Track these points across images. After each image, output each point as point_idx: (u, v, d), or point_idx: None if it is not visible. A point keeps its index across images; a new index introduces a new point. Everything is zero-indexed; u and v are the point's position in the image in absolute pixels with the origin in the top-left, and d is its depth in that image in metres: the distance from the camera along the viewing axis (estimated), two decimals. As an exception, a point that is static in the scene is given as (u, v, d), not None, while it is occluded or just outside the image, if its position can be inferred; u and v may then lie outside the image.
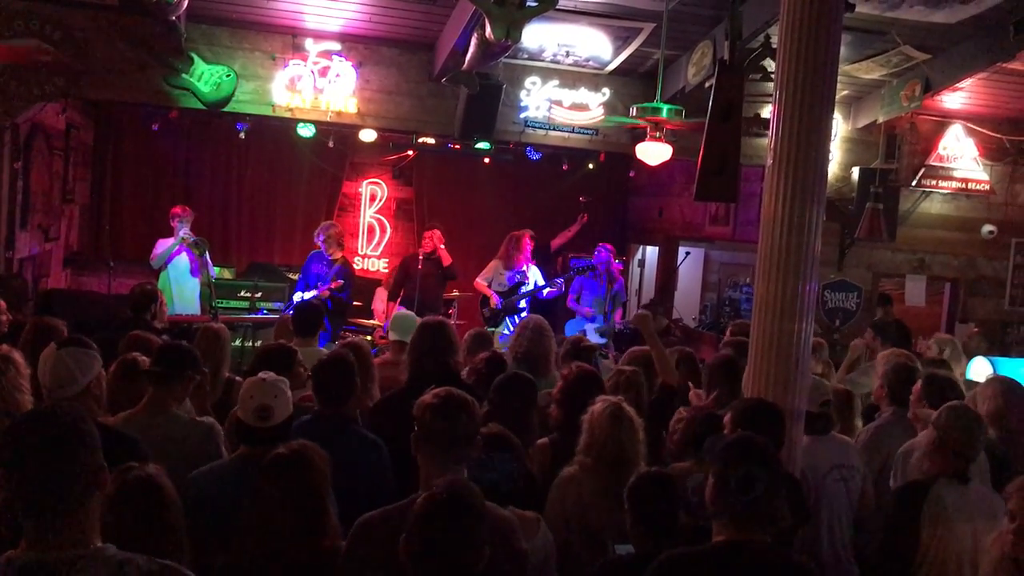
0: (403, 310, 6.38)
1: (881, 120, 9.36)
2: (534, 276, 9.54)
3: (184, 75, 8.10)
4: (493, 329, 9.21)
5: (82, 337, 3.44)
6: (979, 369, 6.38)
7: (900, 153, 9.87)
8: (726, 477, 2.66)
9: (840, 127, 9.69)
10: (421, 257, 9.21)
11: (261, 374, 3.49)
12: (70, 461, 1.98)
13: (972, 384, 5.51)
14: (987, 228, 10.21)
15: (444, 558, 2.39)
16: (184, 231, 8.59)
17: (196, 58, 8.12)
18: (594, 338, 8.64)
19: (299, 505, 2.86)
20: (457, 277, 9.63)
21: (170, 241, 8.65)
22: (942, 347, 6.31)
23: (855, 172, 9.75)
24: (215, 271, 8.98)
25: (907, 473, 4.00)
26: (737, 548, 2.63)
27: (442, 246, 9.36)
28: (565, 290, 9.73)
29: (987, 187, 10.17)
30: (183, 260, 8.70)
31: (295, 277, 9.44)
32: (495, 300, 9.34)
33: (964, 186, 10.15)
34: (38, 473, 1.96)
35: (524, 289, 9.38)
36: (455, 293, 9.94)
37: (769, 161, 4.09)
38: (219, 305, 8.44)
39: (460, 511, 2.43)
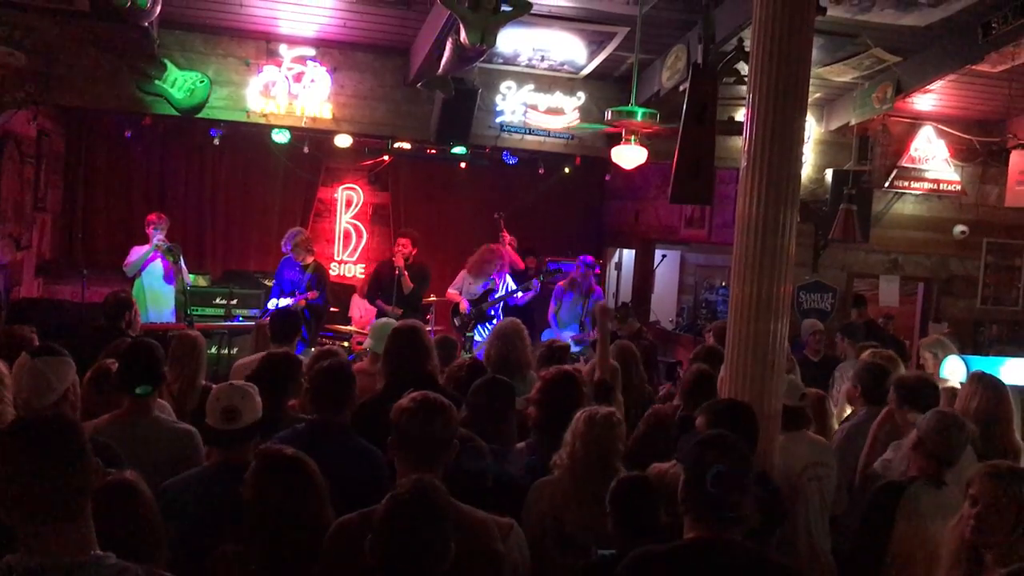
0: (383, 319, 6.37)
1: (854, 122, 9.44)
2: (505, 284, 9.51)
3: (157, 81, 8.05)
4: (471, 336, 9.21)
5: (54, 345, 3.42)
6: (952, 368, 6.44)
7: (873, 155, 9.96)
8: (696, 474, 2.67)
9: (813, 129, 9.78)
10: (395, 273, 9.14)
11: (232, 380, 3.48)
12: (65, 468, 1.99)
13: (943, 382, 5.56)
14: (959, 228, 10.32)
15: (408, 557, 2.39)
16: (159, 238, 8.53)
17: (169, 64, 8.06)
18: (574, 347, 8.65)
19: (300, 505, 2.85)
20: (422, 296, 9.52)
21: (144, 248, 8.58)
22: (935, 351, 6.34)
23: (828, 174, 9.84)
24: (190, 278, 8.92)
25: (889, 473, 4.03)
26: (706, 545, 2.64)
27: (407, 255, 9.18)
28: (540, 291, 9.74)
29: (958, 188, 10.29)
30: (157, 267, 8.64)
31: (271, 284, 9.40)
32: (464, 306, 9.31)
33: (936, 187, 10.26)
34: (35, 481, 1.96)
35: (496, 295, 9.36)
36: (431, 298, 9.93)
37: (743, 164, 4.12)
38: (195, 312, 8.38)
39: (423, 510, 2.44)
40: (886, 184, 10.12)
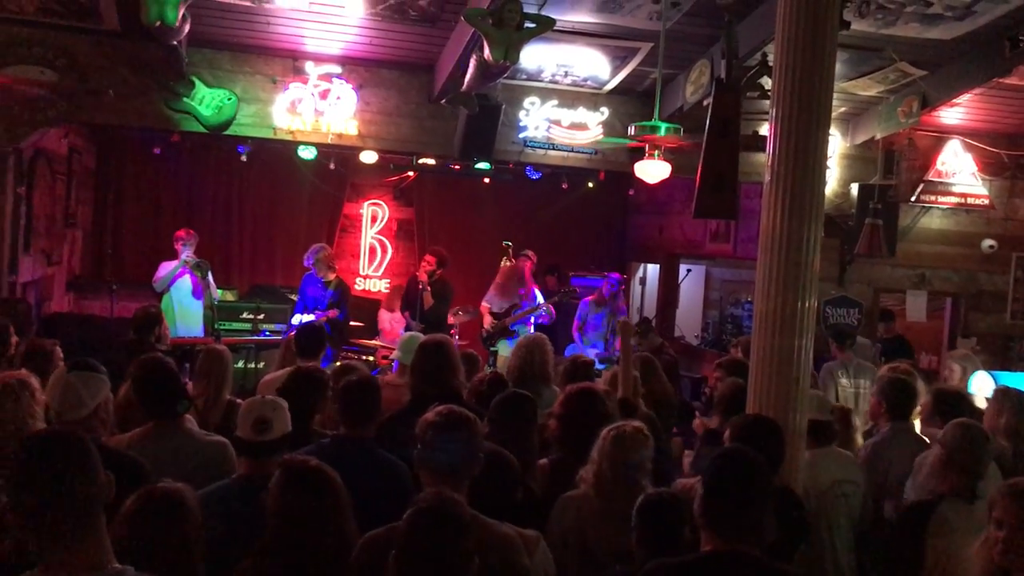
0: (411, 332, 6.42)
1: (879, 136, 9.40)
2: (532, 300, 9.50)
3: (186, 99, 8.17)
4: (496, 351, 9.24)
5: (91, 360, 3.45)
6: (980, 383, 6.38)
7: (899, 169, 9.90)
8: (712, 487, 2.67)
9: (838, 144, 9.74)
10: (419, 288, 9.19)
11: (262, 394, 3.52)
12: (71, 481, 2.00)
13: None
14: (987, 243, 10.23)
15: (430, 571, 2.39)
16: (187, 253, 8.62)
17: (198, 82, 8.18)
18: (598, 365, 8.64)
19: (324, 517, 2.84)
20: (445, 313, 9.55)
21: (173, 264, 8.67)
22: (964, 364, 6.29)
23: (854, 188, 9.79)
24: (218, 293, 9.00)
25: (916, 490, 3.99)
26: (721, 558, 2.63)
27: (430, 271, 9.21)
28: (563, 307, 9.76)
29: (986, 202, 10.20)
30: (186, 282, 8.72)
31: (296, 299, 9.47)
32: (487, 320, 9.35)
33: (963, 201, 10.18)
34: (42, 494, 1.98)
35: (518, 312, 9.38)
36: (459, 314, 9.93)
37: (766, 178, 4.12)
38: (222, 327, 8.46)
39: (443, 523, 2.44)
40: (912, 198, 10.05)
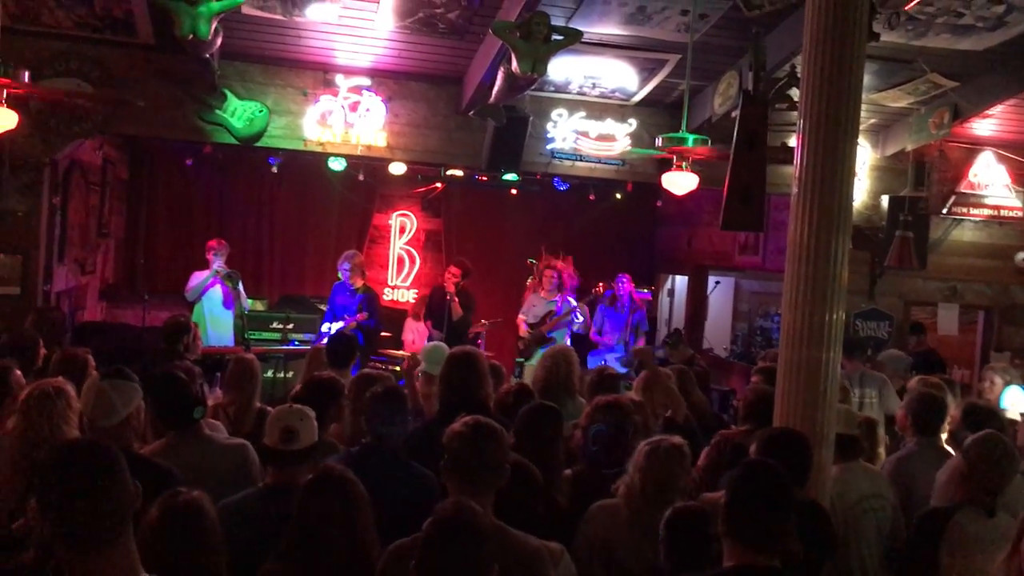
0: (435, 342, 6.45)
1: (910, 148, 9.32)
2: (567, 306, 9.52)
3: (218, 111, 8.28)
4: (523, 361, 9.25)
5: (124, 369, 3.50)
6: (1014, 398, 6.29)
7: (930, 181, 9.79)
8: (735, 501, 2.68)
9: (868, 155, 9.67)
10: (447, 298, 9.21)
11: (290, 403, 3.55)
12: (101, 494, 2.01)
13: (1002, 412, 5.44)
14: (1021, 255, 10.10)
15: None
16: (218, 264, 8.71)
17: (229, 94, 8.29)
18: (617, 369, 8.64)
19: (342, 521, 2.86)
20: (470, 322, 9.55)
21: (204, 274, 8.76)
22: (1004, 376, 6.22)
23: (884, 200, 9.71)
24: (248, 303, 9.08)
25: (936, 499, 3.95)
26: (744, 572, 2.63)
27: (456, 283, 9.25)
28: (589, 320, 9.78)
29: (1020, 214, 10.07)
30: (217, 292, 8.81)
31: (325, 309, 9.54)
32: (523, 329, 9.37)
33: (996, 213, 10.07)
34: (72, 506, 1.98)
35: (553, 318, 9.40)
36: (483, 323, 9.98)
37: (794, 190, 4.11)
38: (251, 337, 8.53)
39: (461, 532, 2.45)
40: (944, 210, 9.95)
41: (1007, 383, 6.14)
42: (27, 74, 6.23)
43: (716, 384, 10.07)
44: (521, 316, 9.62)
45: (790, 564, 2.71)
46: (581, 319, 9.61)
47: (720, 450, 4.49)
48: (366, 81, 8.67)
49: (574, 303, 9.56)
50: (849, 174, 4.05)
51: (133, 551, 2.06)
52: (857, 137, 4.10)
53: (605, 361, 8.83)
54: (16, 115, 6.32)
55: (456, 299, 9.15)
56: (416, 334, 10.17)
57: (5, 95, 6.17)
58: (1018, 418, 5.41)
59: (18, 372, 4.33)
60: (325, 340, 6.97)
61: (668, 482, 3.46)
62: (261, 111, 8.37)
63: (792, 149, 4.24)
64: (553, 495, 3.71)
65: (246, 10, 7.20)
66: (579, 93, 9.00)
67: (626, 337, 9.63)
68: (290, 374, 8.66)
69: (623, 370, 8.74)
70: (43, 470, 2.06)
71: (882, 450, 4.46)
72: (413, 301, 11.86)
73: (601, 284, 9.89)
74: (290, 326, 9.24)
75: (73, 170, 8.87)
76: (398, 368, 8.85)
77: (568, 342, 9.08)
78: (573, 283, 9.94)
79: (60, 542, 2.01)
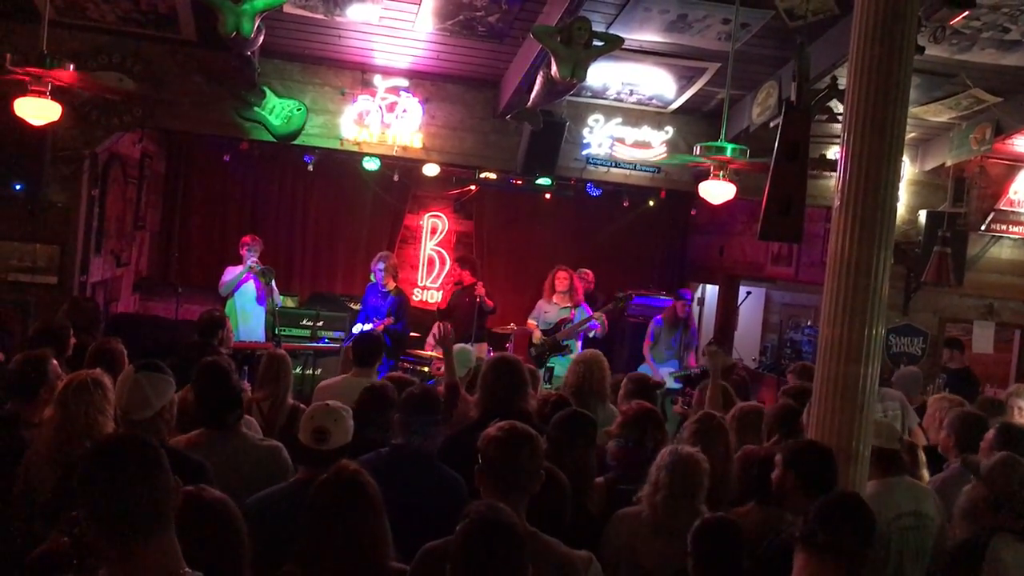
0: (463, 345, 6.45)
1: (950, 163, 9.22)
2: (582, 315, 9.38)
3: (256, 108, 8.33)
4: (550, 366, 9.19)
5: (158, 362, 3.51)
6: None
7: (969, 197, 9.67)
8: (828, 513, 2.84)
9: (907, 169, 9.56)
10: (476, 300, 9.18)
11: (329, 400, 3.55)
12: (140, 486, 2.01)
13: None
14: (1059, 275, 9.95)
15: None
16: (252, 259, 8.77)
17: (268, 92, 8.34)
18: (672, 384, 8.58)
19: (355, 524, 2.81)
20: (490, 312, 9.52)
21: (238, 269, 8.82)
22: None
23: (922, 215, 9.60)
24: (280, 300, 9.13)
25: (962, 525, 3.88)
26: None
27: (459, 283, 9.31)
28: (620, 323, 9.70)
29: (1060, 233, 9.93)
30: (250, 288, 8.86)
31: (356, 307, 9.57)
32: (537, 335, 9.31)
33: (1035, 231, 9.93)
34: (112, 498, 1.98)
35: (568, 326, 9.31)
36: (511, 327, 9.95)
37: (836, 203, 4.06)
38: (282, 333, 8.59)
39: (496, 532, 2.44)
40: (982, 227, 9.82)
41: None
42: (71, 67, 6.31)
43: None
44: (531, 321, 9.54)
45: None
46: (597, 327, 9.49)
47: (745, 467, 4.46)
48: (404, 82, 8.69)
49: (589, 312, 9.47)
50: (893, 188, 4.00)
51: (175, 546, 2.05)
52: (903, 152, 4.06)
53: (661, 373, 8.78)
54: (59, 107, 6.40)
55: (487, 299, 9.15)
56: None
57: (49, 87, 6.24)
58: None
59: (55, 362, 4.37)
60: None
61: (692, 488, 3.47)
62: (299, 109, 8.41)
63: (830, 161, 4.20)
64: (584, 503, 3.70)
65: (288, 9, 7.24)
66: (616, 99, 8.97)
67: (680, 352, 9.56)
68: (319, 371, 8.70)
69: (677, 385, 8.67)
70: (87, 463, 2.06)
71: (924, 472, 4.38)
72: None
73: (627, 291, 9.80)
74: (320, 323, 9.28)
75: (112, 163, 8.97)
76: (426, 369, 8.87)
77: (580, 347, 9.02)
78: (587, 288, 9.86)
79: (102, 536, 2.00)
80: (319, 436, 3.38)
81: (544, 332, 9.31)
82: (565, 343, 9.24)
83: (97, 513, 2.00)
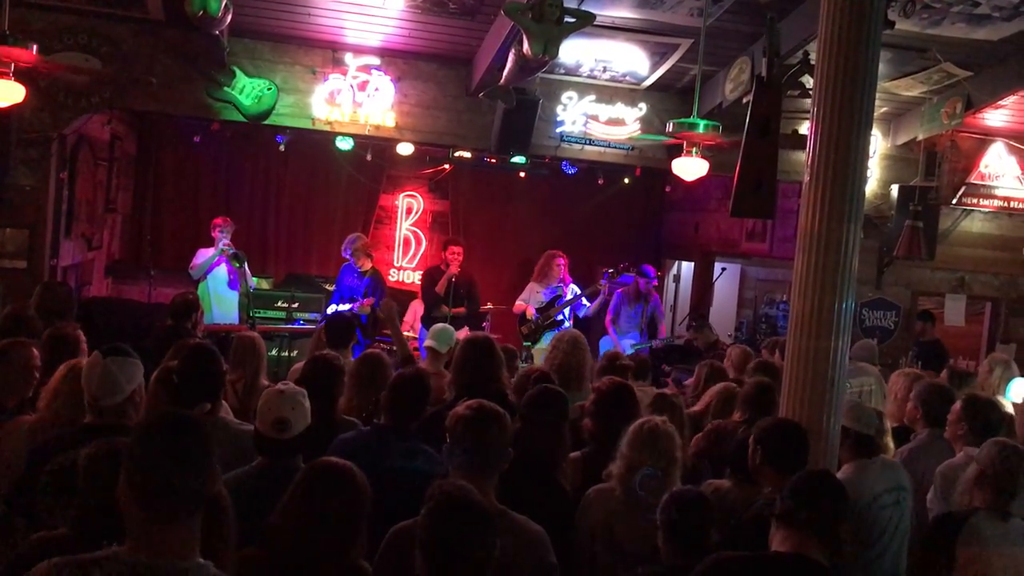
0: (443, 324, 6.46)
1: (921, 137, 9.27)
2: (572, 292, 9.55)
3: (226, 88, 8.24)
4: (530, 345, 9.24)
5: (124, 346, 3.49)
6: (1019, 391, 6.27)
7: (940, 171, 9.75)
8: (801, 490, 2.88)
9: (879, 144, 9.62)
10: (449, 279, 9.15)
11: (279, 384, 3.51)
12: (192, 469, 2.01)
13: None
14: (1030, 247, 10.06)
15: (451, 556, 2.40)
16: (224, 242, 8.70)
17: (238, 72, 8.25)
18: (629, 351, 8.68)
19: (339, 520, 2.74)
20: (478, 307, 9.58)
21: (210, 251, 8.76)
22: (992, 366, 6.21)
23: (894, 190, 9.66)
24: (253, 282, 9.08)
25: (950, 501, 3.92)
26: (799, 560, 2.71)
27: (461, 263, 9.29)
28: (607, 304, 9.78)
29: (1030, 206, 10.03)
30: (222, 271, 8.81)
31: (331, 288, 9.53)
32: (531, 312, 9.35)
33: (1006, 204, 10.02)
34: (161, 476, 1.97)
35: (564, 301, 9.39)
36: (488, 306, 9.96)
37: (806, 178, 4.08)
38: (256, 315, 8.53)
39: (461, 511, 2.45)
40: (954, 201, 9.90)
41: (999, 372, 6.11)
42: (35, 47, 6.20)
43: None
44: (522, 303, 9.56)
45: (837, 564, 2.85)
46: (588, 304, 9.62)
47: (711, 439, 4.51)
48: (375, 60, 8.62)
49: (579, 290, 9.56)
50: (862, 163, 4.01)
51: (196, 534, 2.04)
52: (871, 126, 4.07)
53: (621, 347, 8.85)
54: (24, 89, 6.29)
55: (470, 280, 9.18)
56: (415, 317, 10.10)
57: (13, 68, 6.13)
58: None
59: (35, 351, 4.26)
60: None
61: (658, 464, 3.48)
62: (270, 89, 8.33)
63: (803, 137, 4.21)
64: (557, 479, 3.71)
65: (256, -13, 7.15)
66: (590, 76, 8.94)
67: (642, 324, 9.64)
68: (295, 353, 8.66)
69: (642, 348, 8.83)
70: (138, 439, 2.04)
71: (890, 442, 4.42)
72: (419, 283, 11.82)
73: (613, 269, 9.83)
74: (295, 305, 9.24)
75: (81, 145, 8.85)
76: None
77: (569, 325, 9.10)
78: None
79: (137, 508, 1.98)
80: (280, 426, 3.30)
81: (538, 310, 9.37)
82: (560, 317, 9.30)
83: (138, 490, 1.98)
